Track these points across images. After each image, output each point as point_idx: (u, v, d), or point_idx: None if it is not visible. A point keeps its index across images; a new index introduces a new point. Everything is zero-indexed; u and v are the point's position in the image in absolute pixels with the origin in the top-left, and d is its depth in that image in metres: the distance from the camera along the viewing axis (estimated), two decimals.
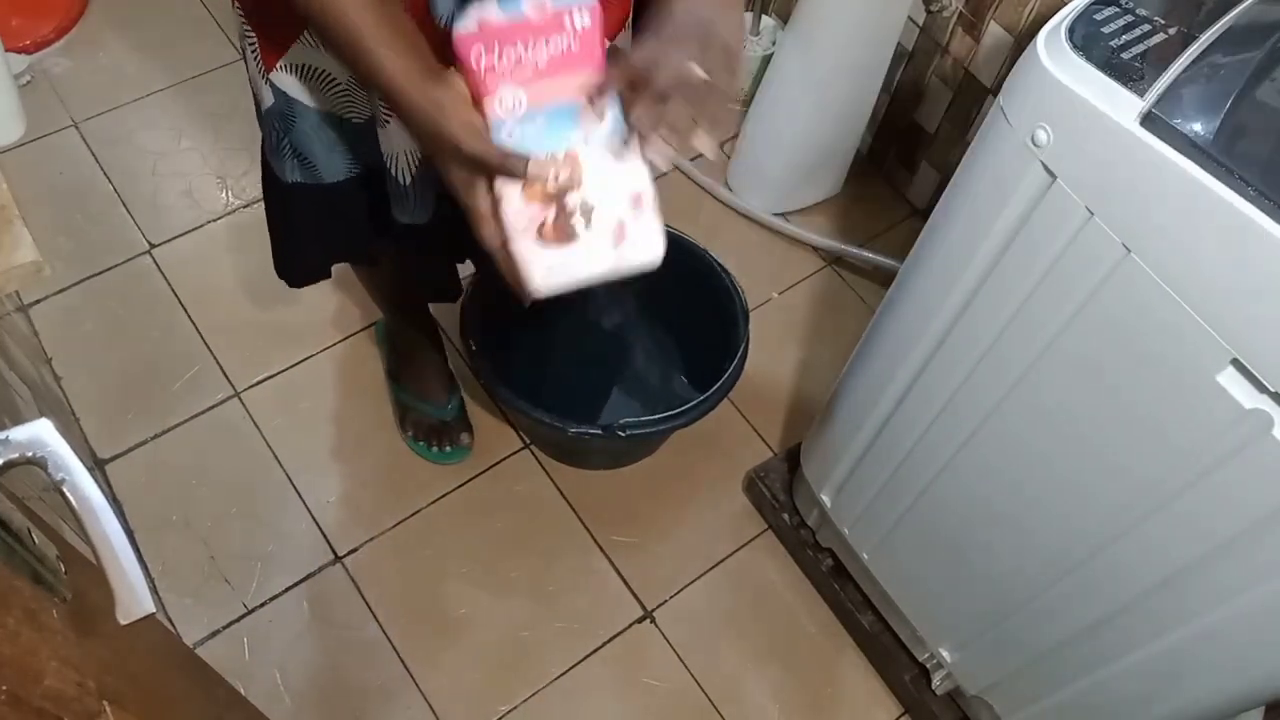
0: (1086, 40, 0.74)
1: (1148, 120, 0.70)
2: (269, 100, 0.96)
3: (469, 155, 0.71)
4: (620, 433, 1.28)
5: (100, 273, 1.62)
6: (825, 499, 1.31)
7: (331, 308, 1.63)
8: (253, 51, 0.93)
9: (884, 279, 1.76)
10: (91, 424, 1.49)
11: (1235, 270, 0.68)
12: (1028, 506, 0.98)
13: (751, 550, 1.50)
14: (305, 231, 1.13)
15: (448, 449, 1.51)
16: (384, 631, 1.39)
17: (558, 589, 1.44)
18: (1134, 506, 0.85)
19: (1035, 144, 0.77)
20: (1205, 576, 0.83)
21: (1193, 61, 0.72)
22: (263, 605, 1.39)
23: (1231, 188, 0.66)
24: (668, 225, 1.56)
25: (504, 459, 1.53)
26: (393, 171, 0.98)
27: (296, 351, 1.59)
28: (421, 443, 1.51)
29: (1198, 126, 0.68)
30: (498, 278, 0.76)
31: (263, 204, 1.13)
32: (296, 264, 1.21)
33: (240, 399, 1.54)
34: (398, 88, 0.73)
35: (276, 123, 0.98)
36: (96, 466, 1.46)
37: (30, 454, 0.54)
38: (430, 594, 1.42)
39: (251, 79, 0.97)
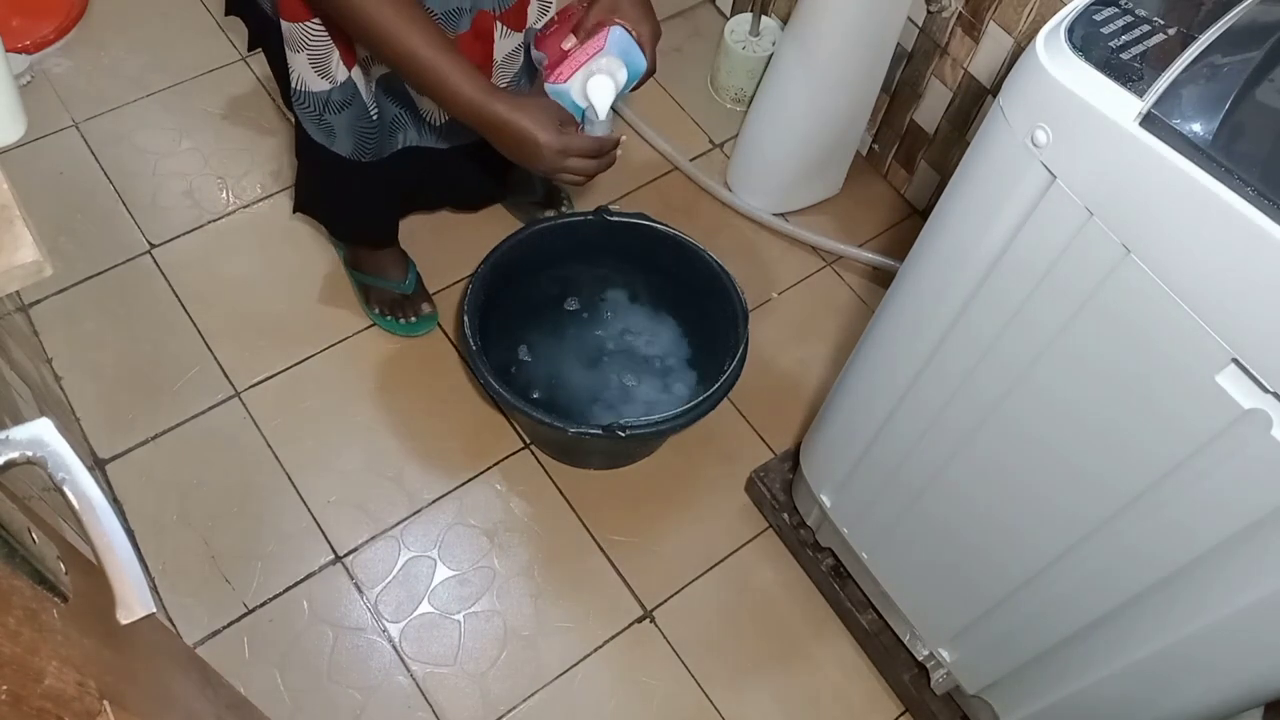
0: (1086, 41, 0.74)
1: (1147, 121, 0.70)
2: (324, 86, 1.17)
3: (565, 149, 1.04)
4: (620, 433, 1.28)
5: (100, 273, 1.62)
6: (825, 499, 1.31)
7: (331, 308, 1.63)
8: (311, 56, 1.14)
9: (884, 279, 1.76)
10: (91, 424, 1.49)
11: (1235, 270, 0.68)
12: (1026, 506, 0.98)
13: (751, 550, 1.50)
14: (350, 193, 1.41)
15: (413, 319, 1.61)
16: (385, 631, 1.39)
17: (557, 589, 1.44)
18: (1133, 506, 0.86)
19: (1035, 144, 0.77)
20: (1204, 576, 0.83)
21: (1192, 62, 0.72)
22: (263, 605, 1.39)
23: (1231, 188, 0.66)
24: (668, 225, 1.57)
25: (504, 459, 1.53)
26: (429, 120, 1.32)
27: (296, 351, 1.59)
28: (388, 317, 1.61)
29: (1197, 127, 0.68)
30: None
31: (284, 194, 1.29)
32: (354, 225, 1.53)
33: (240, 399, 1.54)
34: (479, 109, 1.03)
35: (330, 105, 1.21)
36: (96, 466, 1.46)
37: (30, 454, 0.54)
38: (429, 592, 1.42)
39: (299, 67, 1.16)
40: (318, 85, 1.17)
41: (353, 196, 1.43)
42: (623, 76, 1.12)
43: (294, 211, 1.55)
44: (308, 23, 1.11)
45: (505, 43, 1.22)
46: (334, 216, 1.53)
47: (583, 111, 1.12)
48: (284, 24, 1.11)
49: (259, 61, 1.87)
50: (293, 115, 1.25)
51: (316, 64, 1.15)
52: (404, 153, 1.34)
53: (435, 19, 1.10)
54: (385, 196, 1.47)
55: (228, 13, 1.27)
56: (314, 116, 1.22)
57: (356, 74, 1.18)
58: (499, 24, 1.19)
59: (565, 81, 1.11)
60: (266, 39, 1.23)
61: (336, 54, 1.14)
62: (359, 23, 1.00)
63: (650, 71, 1.15)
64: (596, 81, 1.10)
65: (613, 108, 1.13)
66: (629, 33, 1.12)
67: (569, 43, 1.14)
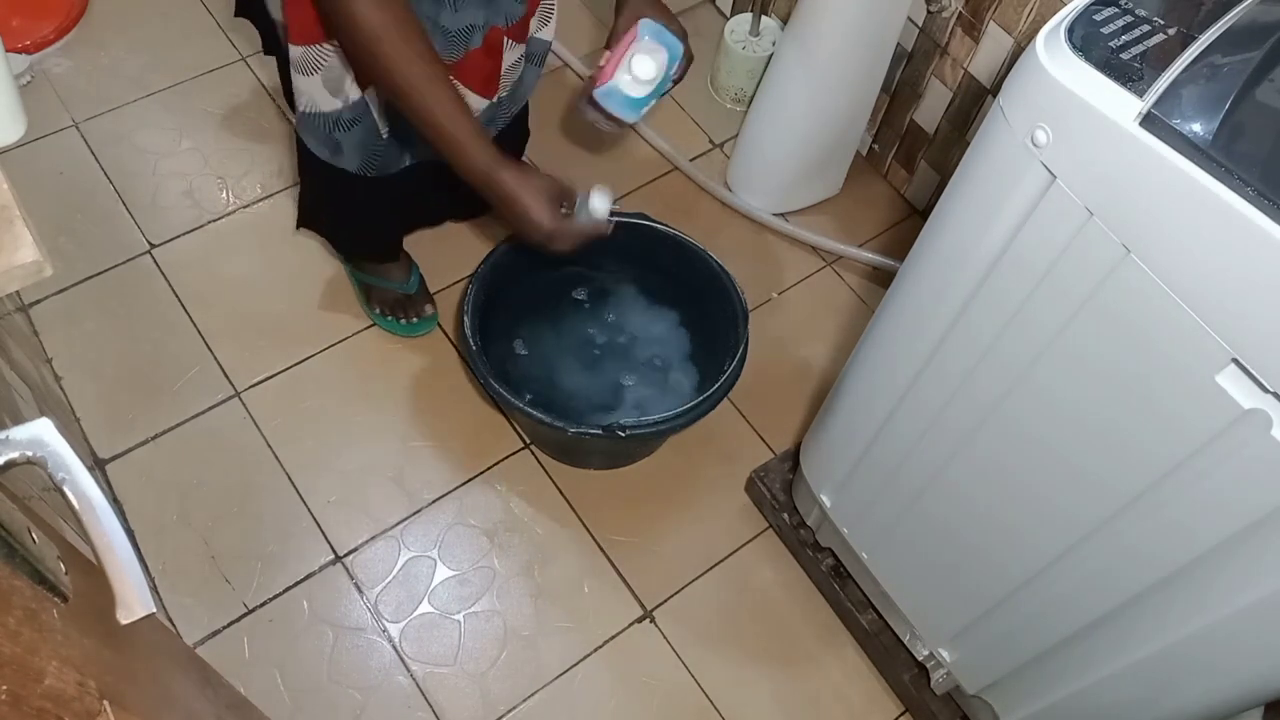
0: (1086, 41, 0.74)
1: (1147, 121, 0.70)
2: (335, 105, 1.18)
3: (554, 234, 1.10)
4: (620, 433, 1.28)
5: (101, 273, 1.62)
6: (825, 499, 1.31)
7: (331, 308, 1.63)
8: (326, 78, 1.15)
9: (884, 279, 1.76)
10: (91, 424, 1.49)
11: (1235, 270, 0.68)
12: (1026, 506, 0.98)
13: (751, 550, 1.50)
14: (355, 209, 1.41)
15: (414, 320, 1.60)
16: (385, 631, 1.39)
17: (557, 589, 1.44)
18: (1133, 506, 0.86)
19: (1035, 144, 0.77)
20: (1204, 576, 0.83)
21: (1192, 62, 0.72)
22: (263, 605, 1.39)
23: (1231, 188, 0.66)
24: (668, 225, 1.57)
25: (504, 459, 1.53)
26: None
27: (296, 351, 1.59)
28: (389, 318, 1.60)
29: (1197, 127, 0.68)
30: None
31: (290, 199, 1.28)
32: (358, 240, 1.53)
33: (240, 399, 1.54)
34: (486, 175, 1.06)
35: (340, 124, 1.21)
36: (96, 466, 1.46)
37: (30, 454, 0.54)
38: (429, 592, 1.42)
39: (308, 89, 1.16)
40: (329, 105, 1.18)
41: (357, 212, 1.42)
42: (663, 56, 1.18)
43: (298, 227, 1.55)
44: (323, 44, 1.10)
45: (510, 54, 1.24)
46: (338, 232, 1.53)
47: (636, 103, 1.18)
48: (294, 49, 1.11)
49: (259, 61, 1.87)
50: (295, 119, 1.25)
51: (330, 84, 1.15)
52: (408, 168, 1.34)
53: (450, 36, 1.11)
54: (389, 211, 1.46)
55: (236, 14, 1.26)
56: (321, 134, 1.22)
57: (370, 94, 1.19)
58: (506, 38, 1.20)
59: (609, 81, 1.17)
60: (280, 46, 1.22)
61: (350, 75, 1.15)
62: (390, 81, 1.01)
63: (689, 57, 1.21)
64: (639, 59, 1.16)
65: (645, 104, 1.19)
66: (657, 22, 1.19)
67: (603, 59, 1.20)
